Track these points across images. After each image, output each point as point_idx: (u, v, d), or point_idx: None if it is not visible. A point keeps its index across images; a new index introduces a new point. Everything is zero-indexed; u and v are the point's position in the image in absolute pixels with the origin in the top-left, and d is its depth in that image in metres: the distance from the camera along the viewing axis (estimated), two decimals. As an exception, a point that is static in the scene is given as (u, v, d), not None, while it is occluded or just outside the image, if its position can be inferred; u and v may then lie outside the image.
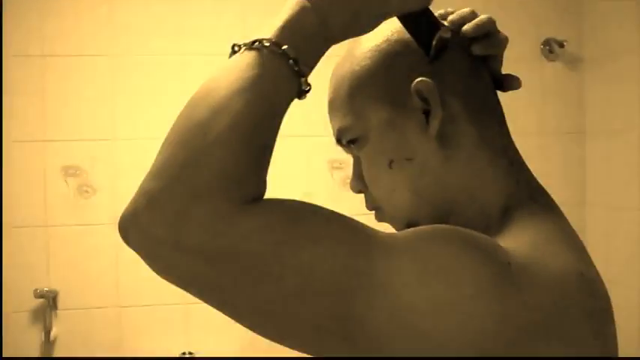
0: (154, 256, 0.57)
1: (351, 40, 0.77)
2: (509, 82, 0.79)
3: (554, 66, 2.55)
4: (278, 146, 1.83)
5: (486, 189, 0.73)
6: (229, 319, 2.19)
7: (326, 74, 2.29)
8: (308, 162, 2.41)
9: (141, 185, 0.58)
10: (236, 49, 0.65)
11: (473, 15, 0.76)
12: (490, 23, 0.75)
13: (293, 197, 2.48)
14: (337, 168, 2.40)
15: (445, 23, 0.75)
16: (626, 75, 2.33)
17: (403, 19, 0.73)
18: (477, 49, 0.75)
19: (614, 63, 2.40)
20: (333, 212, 0.61)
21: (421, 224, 0.76)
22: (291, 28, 0.65)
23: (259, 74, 0.61)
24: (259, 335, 0.60)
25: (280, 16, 0.66)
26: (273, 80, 0.62)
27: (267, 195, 0.60)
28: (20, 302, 2.25)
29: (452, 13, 0.78)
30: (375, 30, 0.76)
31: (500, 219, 0.71)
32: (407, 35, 0.75)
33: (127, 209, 0.58)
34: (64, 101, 2.28)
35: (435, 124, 0.72)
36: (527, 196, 0.73)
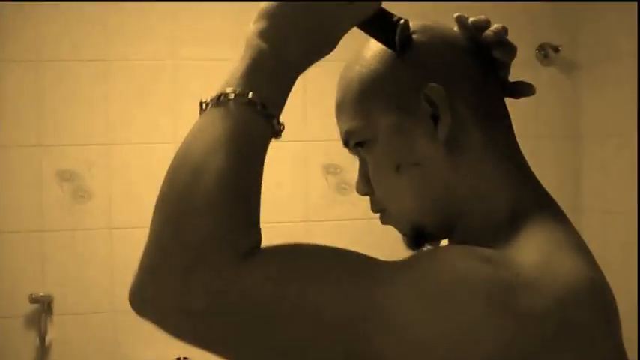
0: (166, 323, 0.60)
1: (356, 48, 0.78)
2: (523, 89, 0.80)
3: (549, 71, 2.56)
4: (273, 151, 1.83)
5: (494, 194, 0.73)
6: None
7: (321, 80, 2.29)
8: (303, 167, 2.41)
9: (141, 261, 0.60)
10: (203, 106, 0.66)
11: (489, 22, 0.78)
12: (506, 31, 0.77)
13: (287, 197, 2.45)
14: (332, 173, 2.40)
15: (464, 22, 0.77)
16: (620, 80, 2.33)
17: (362, 27, 0.73)
18: (499, 54, 0.76)
19: (608, 68, 2.41)
20: (329, 249, 0.62)
21: (427, 228, 0.77)
22: (251, 74, 0.65)
23: (231, 128, 0.62)
24: None
25: (239, 65, 0.67)
26: (246, 130, 0.63)
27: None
28: (15, 307, 2.24)
29: (467, 18, 0.79)
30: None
31: (509, 224, 0.71)
32: (421, 42, 0.75)
33: (133, 286, 0.60)
34: (59, 106, 2.28)
35: (443, 130, 0.72)
36: (535, 202, 0.73)
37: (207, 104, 0.65)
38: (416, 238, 0.79)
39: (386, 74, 0.75)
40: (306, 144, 2.40)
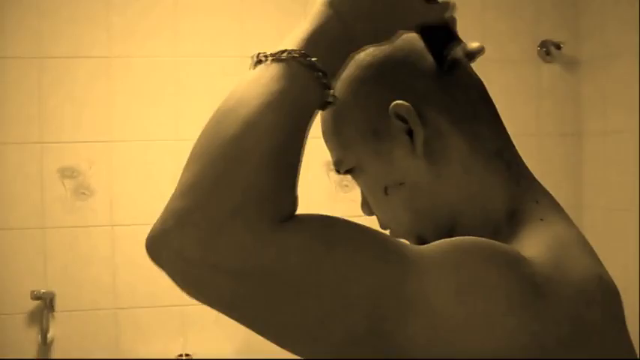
0: (187, 276, 0.56)
1: None
2: (472, 53, 0.77)
3: (551, 67, 2.55)
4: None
5: (487, 196, 0.73)
6: (226, 321, 2.19)
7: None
8: (305, 163, 2.41)
9: (168, 204, 0.57)
10: (262, 59, 0.64)
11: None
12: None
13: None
14: (333, 170, 2.40)
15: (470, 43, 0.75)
16: (622, 76, 2.33)
17: (423, 31, 0.73)
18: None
19: (611, 64, 2.40)
20: (364, 228, 0.60)
21: (429, 238, 0.77)
22: (317, 39, 0.64)
23: (288, 88, 0.60)
24: (288, 352, 0.59)
25: (305, 27, 0.65)
26: (302, 94, 0.61)
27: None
28: (17, 304, 2.24)
29: None
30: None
31: (508, 223, 0.71)
32: (382, 59, 0.74)
33: (154, 231, 0.56)
34: (61, 103, 2.28)
35: (419, 143, 0.72)
36: (531, 197, 0.73)
37: (265, 57, 0.63)
38: None
39: (355, 101, 0.75)
40: (308, 141, 2.39)
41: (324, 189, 2.43)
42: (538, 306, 0.57)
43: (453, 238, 0.62)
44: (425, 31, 0.73)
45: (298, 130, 0.61)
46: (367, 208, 0.82)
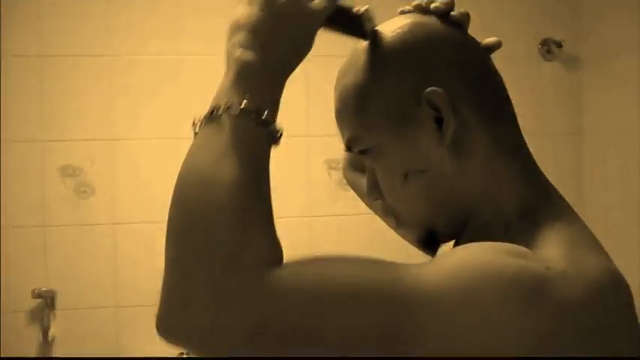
0: (202, 345, 0.58)
1: (353, 44, 0.78)
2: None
3: (552, 66, 2.55)
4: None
5: (503, 192, 0.73)
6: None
7: (323, 75, 2.27)
8: (306, 162, 2.41)
9: (163, 285, 0.59)
10: (197, 125, 0.65)
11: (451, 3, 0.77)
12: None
13: (289, 192, 2.44)
14: (335, 168, 2.40)
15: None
16: (624, 75, 2.33)
17: (329, 27, 0.74)
18: (457, 16, 0.76)
19: (612, 63, 2.40)
20: (360, 260, 0.61)
21: (439, 231, 0.77)
22: (239, 84, 0.65)
23: (229, 140, 0.62)
24: None
25: (225, 80, 0.67)
26: (245, 140, 0.63)
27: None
28: (18, 302, 2.24)
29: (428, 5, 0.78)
30: (378, 37, 0.76)
31: (519, 220, 0.71)
32: (415, 45, 0.74)
33: (160, 315, 0.59)
34: (62, 101, 2.28)
35: (448, 134, 0.71)
36: (543, 196, 0.74)
37: (201, 121, 0.65)
38: (429, 241, 0.79)
39: (383, 82, 0.74)
40: (308, 139, 2.40)
41: (324, 187, 2.43)
42: (552, 301, 0.58)
43: (453, 249, 0.62)
44: (331, 25, 0.74)
45: (255, 175, 0.62)
46: (376, 192, 0.79)
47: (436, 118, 0.72)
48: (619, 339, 0.61)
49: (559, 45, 2.49)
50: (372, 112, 0.75)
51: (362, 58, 0.76)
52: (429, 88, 0.71)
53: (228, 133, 0.62)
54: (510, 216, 0.72)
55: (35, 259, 2.26)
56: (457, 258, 0.61)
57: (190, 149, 0.64)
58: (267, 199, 0.63)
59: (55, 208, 2.27)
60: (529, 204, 0.72)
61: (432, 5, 0.77)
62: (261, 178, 0.63)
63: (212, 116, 0.64)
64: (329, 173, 2.43)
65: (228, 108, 0.63)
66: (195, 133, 0.65)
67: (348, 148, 0.78)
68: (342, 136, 0.79)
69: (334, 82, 0.80)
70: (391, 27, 0.76)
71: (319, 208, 2.43)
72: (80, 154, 2.29)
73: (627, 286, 0.65)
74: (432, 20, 0.76)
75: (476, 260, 0.60)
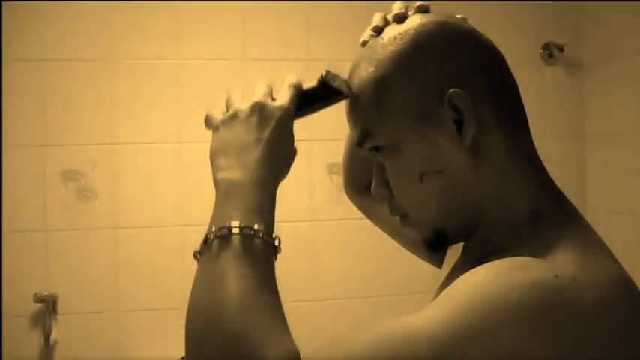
0: None
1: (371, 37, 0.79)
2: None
3: (553, 70, 2.55)
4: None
5: (515, 196, 0.73)
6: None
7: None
8: (307, 166, 2.41)
9: None
10: (197, 256, 0.68)
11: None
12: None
13: (291, 196, 2.43)
14: (336, 173, 2.40)
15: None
16: (625, 79, 2.33)
17: (307, 113, 0.79)
18: None
19: (613, 66, 2.40)
20: (371, 338, 0.60)
21: (448, 232, 0.77)
22: (227, 206, 0.68)
23: (229, 262, 0.64)
24: None
25: (215, 207, 0.70)
26: (244, 256, 0.65)
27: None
28: (20, 306, 2.24)
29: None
30: (400, 32, 0.75)
31: (530, 224, 0.71)
32: (442, 43, 0.74)
33: None
34: (64, 105, 2.28)
35: (469, 135, 0.71)
36: (554, 202, 0.74)
37: (198, 253, 0.68)
38: (437, 241, 0.78)
39: (403, 80, 0.73)
40: (311, 143, 2.40)
41: (326, 192, 2.43)
42: (563, 311, 0.58)
43: (454, 284, 0.62)
44: (308, 110, 0.79)
45: (263, 286, 0.64)
46: (384, 190, 0.79)
47: (455, 120, 0.72)
48: (635, 341, 0.61)
49: (560, 49, 2.49)
50: (390, 107, 0.74)
51: (381, 53, 0.75)
52: (452, 90, 0.71)
53: (224, 257, 0.65)
54: (521, 220, 0.72)
55: (37, 263, 2.26)
56: (462, 296, 0.60)
57: (194, 281, 0.66)
58: (278, 301, 0.64)
59: (57, 213, 2.27)
60: (540, 208, 0.72)
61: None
62: (269, 286, 0.65)
63: (206, 244, 0.67)
64: (330, 178, 2.43)
65: (216, 229, 0.66)
66: (197, 257, 0.68)
67: (360, 143, 0.77)
68: (354, 129, 0.78)
69: None
70: (418, 21, 0.75)
71: (321, 212, 2.43)
72: (82, 159, 2.29)
73: (636, 289, 0.65)
74: (460, 21, 0.77)
75: (478, 298, 0.59)
